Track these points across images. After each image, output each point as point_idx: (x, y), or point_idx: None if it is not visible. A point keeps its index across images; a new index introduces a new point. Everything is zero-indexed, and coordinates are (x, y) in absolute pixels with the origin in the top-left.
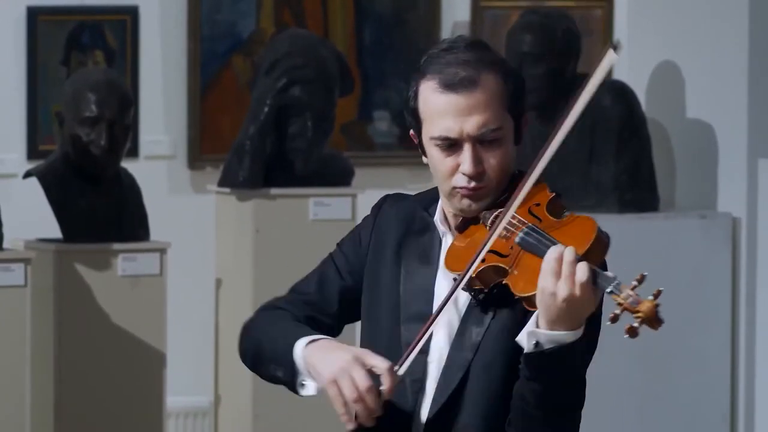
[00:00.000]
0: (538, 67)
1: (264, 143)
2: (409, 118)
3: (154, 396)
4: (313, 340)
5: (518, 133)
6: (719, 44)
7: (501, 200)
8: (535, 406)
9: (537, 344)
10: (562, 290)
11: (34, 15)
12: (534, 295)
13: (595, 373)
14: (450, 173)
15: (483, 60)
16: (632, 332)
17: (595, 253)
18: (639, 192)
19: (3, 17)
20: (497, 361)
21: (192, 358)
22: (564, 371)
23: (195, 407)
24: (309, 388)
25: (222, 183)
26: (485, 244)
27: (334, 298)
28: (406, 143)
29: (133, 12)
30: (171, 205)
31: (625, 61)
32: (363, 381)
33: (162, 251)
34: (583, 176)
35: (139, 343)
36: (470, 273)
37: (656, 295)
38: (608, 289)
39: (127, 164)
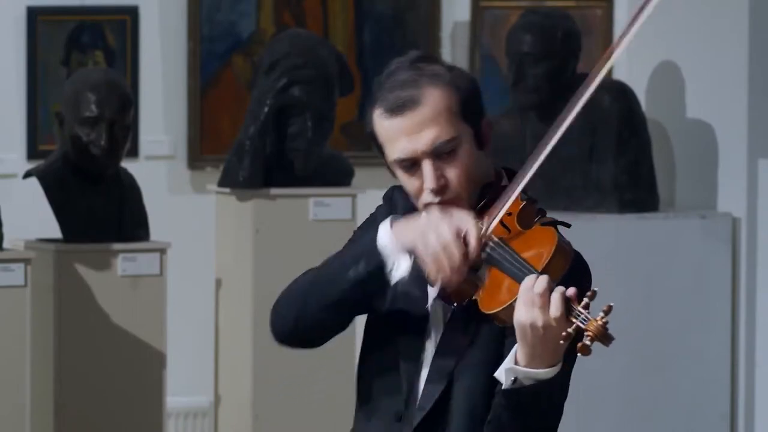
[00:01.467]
0: (538, 67)
1: (264, 143)
2: (372, 143)
3: (154, 396)
4: (395, 220)
5: (480, 138)
6: (719, 44)
7: (479, 208)
8: (510, 427)
9: (515, 380)
10: (539, 318)
11: (34, 15)
12: (500, 312)
13: (595, 372)
14: (418, 192)
15: (424, 76)
16: (583, 350)
17: (555, 266)
18: (639, 192)
19: (3, 17)
20: (481, 368)
21: (192, 358)
22: (541, 404)
23: (195, 407)
24: (401, 265)
25: (222, 183)
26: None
27: None
28: None
29: (133, 12)
30: (171, 205)
31: (625, 61)
32: (448, 230)
33: (162, 251)
34: (583, 176)
35: (139, 343)
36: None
37: (606, 312)
38: (572, 313)
39: (127, 164)
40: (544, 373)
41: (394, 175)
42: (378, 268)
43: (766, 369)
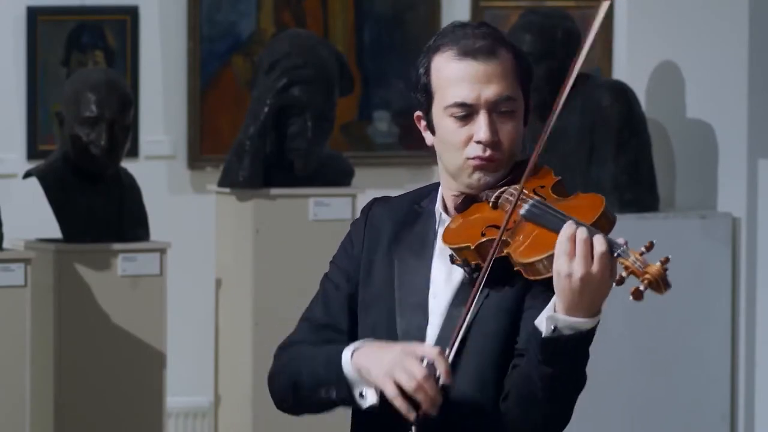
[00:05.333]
0: (538, 67)
1: (264, 143)
2: (418, 97)
3: (154, 396)
4: (356, 348)
5: (526, 115)
6: (719, 44)
7: (503, 182)
8: (542, 388)
9: (555, 329)
10: (578, 270)
11: (34, 15)
12: (536, 262)
13: (595, 372)
14: (463, 144)
15: (497, 37)
16: (637, 295)
17: (602, 227)
18: (639, 192)
19: (3, 17)
20: (490, 338)
21: (192, 358)
22: (577, 357)
23: (195, 407)
24: (369, 396)
25: (222, 183)
26: (509, 215)
27: (341, 314)
28: (406, 143)
29: (133, 12)
30: (171, 205)
31: (625, 61)
32: (419, 370)
33: (162, 251)
34: (583, 176)
35: (139, 343)
36: (494, 250)
37: (663, 262)
38: (617, 252)
39: (127, 164)
40: (584, 322)
41: (430, 129)
42: (348, 394)
43: (766, 369)
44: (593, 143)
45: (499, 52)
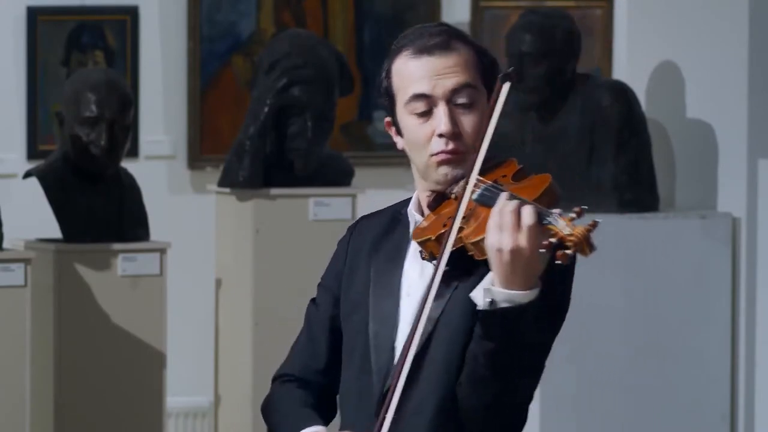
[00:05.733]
0: (538, 67)
1: (264, 143)
2: (383, 101)
3: (154, 396)
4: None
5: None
6: (719, 44)
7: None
8: (484, 365)
9: (492, 302)
10: (507, 242)
11: (34, 15)
12: (481, 241)
13: (595, 372)
14: (426, 140)
15: (454, 33)
16: (563, 257)
17: (546, 203)
18: (639, 192)
19: (3, 17)
20: (458, 333)
21: (192, 358)
22: (517, 332)
23: (195, 407)
24: None
25: (222, 183)
26: (460, 201)
27: (322, 338)
28: None
29: (133, 12)
30: (171, 205)
31: (625, 61)
32: None
33: (162, 251)
34: (583, 176)
35: (139, 343)
36: (447, 236)
37: (591, 225)
38: (546, 220)
39: (127, 164)
40: (522, 295)
41: (398, 132)
42: None
43: (766, 369)
44: (593, 143)
45: (454, 46)
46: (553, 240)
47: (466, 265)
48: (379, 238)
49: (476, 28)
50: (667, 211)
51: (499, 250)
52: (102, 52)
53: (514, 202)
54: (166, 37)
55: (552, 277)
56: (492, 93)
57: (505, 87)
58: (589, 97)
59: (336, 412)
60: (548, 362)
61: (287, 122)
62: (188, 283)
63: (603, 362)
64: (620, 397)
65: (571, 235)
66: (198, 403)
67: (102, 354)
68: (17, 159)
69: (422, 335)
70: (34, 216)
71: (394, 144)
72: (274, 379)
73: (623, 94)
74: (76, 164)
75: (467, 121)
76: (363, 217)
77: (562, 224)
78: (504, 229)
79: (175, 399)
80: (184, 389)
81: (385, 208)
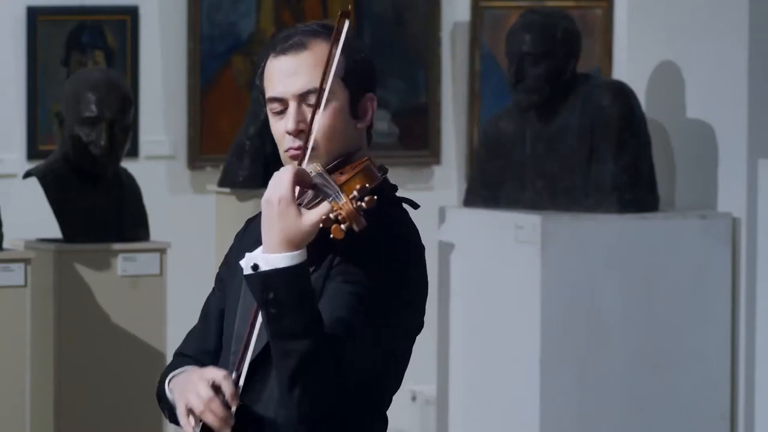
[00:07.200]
0: (538, 67)
1: (264, 143)
2: (260, 99)
3: (154, 396)
4: (175, 375)
5: (355, 108)
6: (719, 44)
7: (327, 169)
8: (269, 334)
9: (255, 266)
10: (273, 193)
11: (34, 15)
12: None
13: (595, 372)
14: (282, 136)
15: (321, 32)
16: (335, 231)
17: (354, 181)
18: (639, 192)
19: (3, 17)
20: None
21: None
22: (284, 297)
23: None
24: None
25: (222, 183)
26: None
27: (213, 332)
28: (406, 143)
29: (133, 12)
30: (171, 205)
31: (625, 61)
32: (205, 392)
33: (162, 251)
34: (583, 176)
35: (139, 343)
36: None
37: (368, 201)
38: (329, 198)
39: (127, 164)
40: (278, 258)
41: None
42: (171, 414)
43: (766, 369)
44: (593, 143)
45: (311, 45)
46: (331, 215)
47: (317, 253)
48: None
49: (476, 28)
50: (667, 211)
51: (266, 202)
52: (102, 52)
53: (291, 168)
54: (166, 37)
55: (371, 269)
56: (357, 91)
57: (345, 25)
58: (589, 97)
59: None
60: (548, 362)
61: None
62: (188, 283)
63: (603, 362)
64: (620, 397)
65: (340, 209)
66: None
67: (102, 354)
68: (17, 159)
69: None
70: (34, 216)
71: (394, 144)
72: (174, 357)
73: (623, 94)
74: (76, 164)
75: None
76: (255, 216)
77: (343, 201)
78: (274, 183)
79: None
80: None
81: None
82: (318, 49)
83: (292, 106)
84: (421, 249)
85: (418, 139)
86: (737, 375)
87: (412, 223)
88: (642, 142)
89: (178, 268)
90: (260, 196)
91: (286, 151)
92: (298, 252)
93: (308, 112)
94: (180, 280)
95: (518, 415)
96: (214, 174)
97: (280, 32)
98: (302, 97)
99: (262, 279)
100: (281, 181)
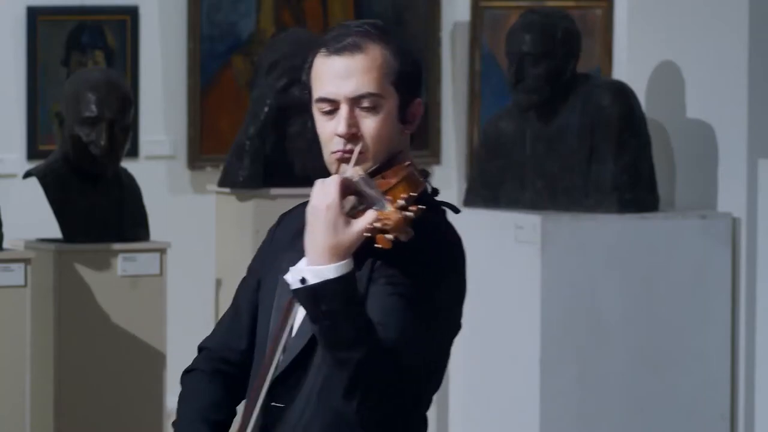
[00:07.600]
0: (538, 67)
1: (264, 143)
2: (305, 94)
3: (154, 396)
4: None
5: (404, 113)
6: (719, 44)
7: (370, 172)
8: (322, 345)
9: (303, 280)
10: (309, 212)
11: (34, 15)
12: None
13: (595, 372)
14: (329, 137)
15: (374, 34)
16: (382, 241)
17: (399, 189)
18: (639, 192)
19: (3, 17)
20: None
21: (192, 358)
22: (333, 307)
23: None
24: None
25: (222, 183)
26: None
27: (244, 328)
28: None
29: (133, 12)
30: (171, 205)
31: (625, 61)
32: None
33: (162, 251)
34: (583, 176)
35: (139, 343)
36: None
37: (414, 211)
38: (373, 206)
39: (127, 164)
40: (327, 269)
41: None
42: None
43: (766, 369)
44: (593, 143)
45: (365, 48)
46: (377, 225)
47: (362, 255)
48: (297, 234)
49: (476, 28)
50: (667, 211)
51: (311, 212)
52: (102, 52)
53: (337, 178)
54: (166, 37)
55: (414, 271)
56: (408, 96)
57: None
58: (589, 97)
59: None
60: (548, 362)
61: (287, 122)
62: (188, 283)
63: (603, 362)
64: (620, 396)
65: (388, 218)
66: None
67: (102, 354)
68: (17, 159)
69: (307, 330)
70: (34, 216)
71: None
72: (199, 350)
73: (623, 94)
74: (76, 164)
75: (367, 124)
76: (288, 213)
77: (389, 210)
78: (320, 192)
79: (175, 399)
80: None
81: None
82: (372, 53)
83: (344, 108)
84: (462, 253)
85: (418, 139)
86: (737, 375)
87: (453, 227)
88: (642, 142)
89: (178, 268)
90: (260, 196)
91: (334, 152)
92: (346, 261)
93: (360, 115)
94: (180, 280)
95: (518, 415)
96: (214, 174)
97: (331, 30)
98: (355, 101)
99: (313, 292)
100: (328, 189)
